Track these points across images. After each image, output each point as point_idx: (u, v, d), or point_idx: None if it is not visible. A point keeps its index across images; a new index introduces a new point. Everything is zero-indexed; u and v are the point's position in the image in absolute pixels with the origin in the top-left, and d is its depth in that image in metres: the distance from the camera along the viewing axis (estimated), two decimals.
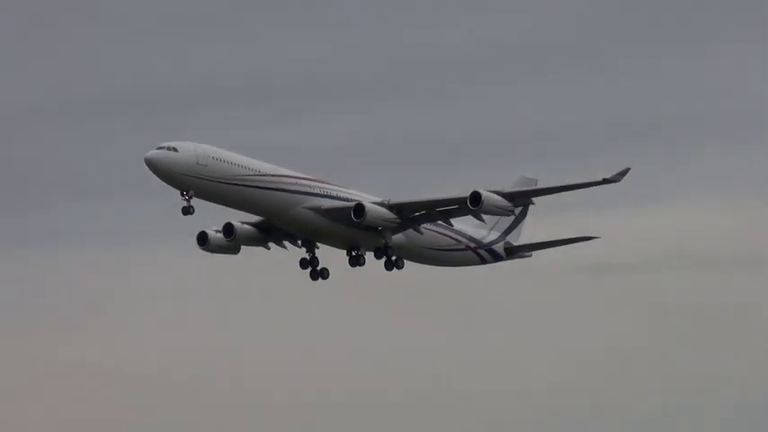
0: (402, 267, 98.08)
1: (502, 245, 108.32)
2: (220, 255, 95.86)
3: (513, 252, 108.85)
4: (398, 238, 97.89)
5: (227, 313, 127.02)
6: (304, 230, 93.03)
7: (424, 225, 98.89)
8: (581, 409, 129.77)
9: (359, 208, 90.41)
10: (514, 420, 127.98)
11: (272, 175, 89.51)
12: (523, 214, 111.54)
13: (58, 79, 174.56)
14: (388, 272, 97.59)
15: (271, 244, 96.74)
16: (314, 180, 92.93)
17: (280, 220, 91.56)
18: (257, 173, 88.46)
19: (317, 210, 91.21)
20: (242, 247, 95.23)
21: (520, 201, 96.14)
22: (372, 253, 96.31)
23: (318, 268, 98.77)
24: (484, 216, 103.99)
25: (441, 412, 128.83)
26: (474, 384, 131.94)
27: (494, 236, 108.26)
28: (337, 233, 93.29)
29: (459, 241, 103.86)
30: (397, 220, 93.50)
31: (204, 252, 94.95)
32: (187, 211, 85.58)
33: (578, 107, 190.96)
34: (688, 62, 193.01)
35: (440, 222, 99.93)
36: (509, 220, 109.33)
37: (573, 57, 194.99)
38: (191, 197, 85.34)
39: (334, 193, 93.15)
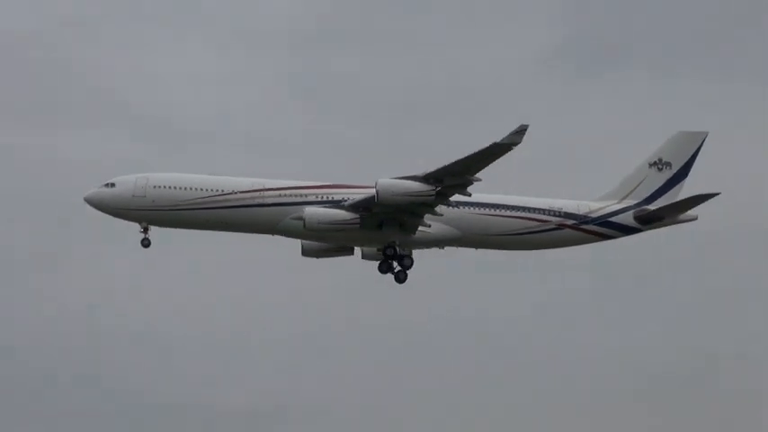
0: (409, 266, 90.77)
1: (631, 214, 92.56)
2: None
3: (649, 221, 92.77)
4: (448, 230, 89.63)
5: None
6: (310, 238, 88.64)
7: (484, 209, 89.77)
8: None
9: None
10: None
11: (243, 192, 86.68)
12: (683, 172, 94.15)
13: None
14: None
15: None
16: (311, 187, 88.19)
17: (276, 233, 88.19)
18: (218, 193, 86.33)
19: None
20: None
21: (450, 180, 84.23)
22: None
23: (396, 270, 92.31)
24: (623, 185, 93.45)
25: None
26: None
27: (622, 205, 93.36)
28: (345, 236, 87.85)
29: (546, 221, 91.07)
30: (357, 220, 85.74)
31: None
32: (143, 243, 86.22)
33: None
34: None
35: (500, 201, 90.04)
36: (652, 185, 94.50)
37: None
38: (145, 229, 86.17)
39: (338, 197, 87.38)
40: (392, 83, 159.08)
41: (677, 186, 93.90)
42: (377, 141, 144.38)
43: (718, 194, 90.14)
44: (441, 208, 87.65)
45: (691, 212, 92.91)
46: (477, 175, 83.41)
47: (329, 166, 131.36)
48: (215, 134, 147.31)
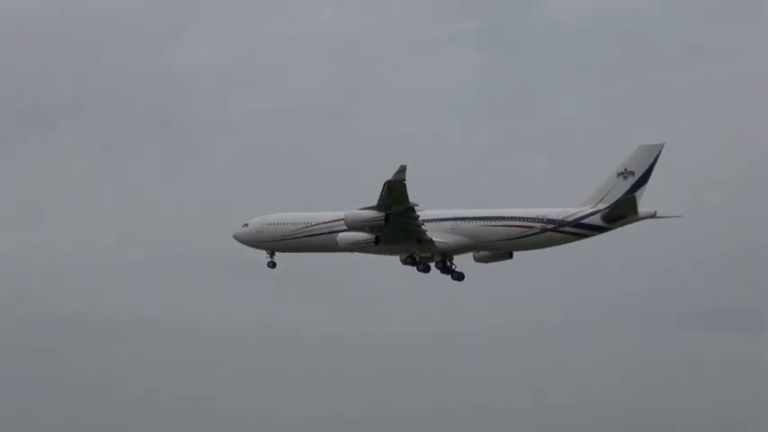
0: (428, 271, 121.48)
1: (599, 216, 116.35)
2: None
3: (613, 220, 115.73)
4: (460, 239, 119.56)
5: None
6: (363, 252, 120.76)
7: (484, 222, 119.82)
8: None
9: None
10: None
11: (323, 223, 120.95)
12: (644, 178, 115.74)
13: None
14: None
15: None
16: None
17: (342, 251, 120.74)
18: (307, 225, 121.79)
19: None
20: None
21: (396, 207, 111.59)
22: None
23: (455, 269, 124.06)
24: (598, 192, 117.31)
25: None
26: None
27: (595, 209, 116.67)
28: (373, 250, 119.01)
29: (532, 227, 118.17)
30: (373, 240, 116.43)
31: None
32: (269, 265, 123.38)
33: None
34: None
35: (497, 214, 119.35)
36: (620, 190, 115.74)
37: None
38: (271, 255, 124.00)
39: None
40: None
41: (640, 190, 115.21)
42: None
43: (633, 196, 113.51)
44: (456, 223, 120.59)
45: (648, 210, 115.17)
46: (412, 201, 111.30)
47: None
48: None
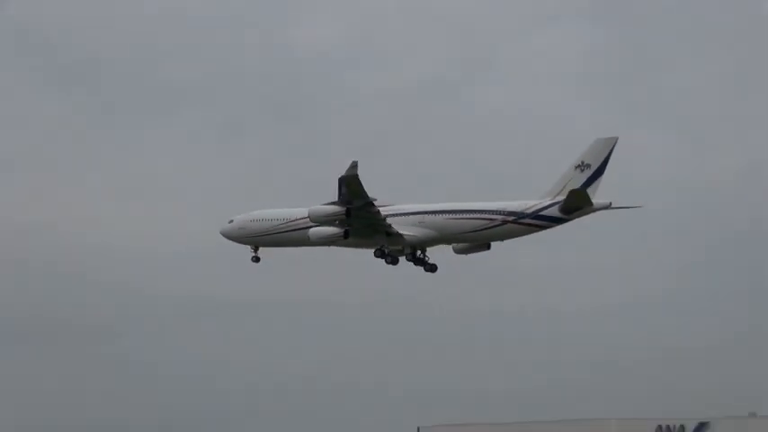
0: (396, 263, 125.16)
1: (557, 208, 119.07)
2: None
3: (570, 212, 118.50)
4: (428, 232, 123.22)
5: None
6: (335, 246, 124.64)
7: (449, 215, 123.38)
8: None
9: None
10: None
11: (300, 219, 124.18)
12: (600, 171, 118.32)
13: None
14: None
15: None
16: None
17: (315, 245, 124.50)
18: (285, 221, 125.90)
19: None
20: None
21: (356, 202, 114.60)
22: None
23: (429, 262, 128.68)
24: (556, 185, 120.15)
25: None
26: None
27: (553, 201, 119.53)
28: (343, 243, 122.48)
29: (493, 219, 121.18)
30: (342, 234, 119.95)
31: None
32: (252, 260, 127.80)
33: None
34: None
35: (462, 207, 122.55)
36: (577, 183, 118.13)
37: None
38: (255, 249, 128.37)
39: None
40: None
41: (596, 182, 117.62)
42: None
43: (582, 189, 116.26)
44: (423, 216, 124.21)
45: (602, 201, 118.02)
46: (371, 195, 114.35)
47: None
48: None
